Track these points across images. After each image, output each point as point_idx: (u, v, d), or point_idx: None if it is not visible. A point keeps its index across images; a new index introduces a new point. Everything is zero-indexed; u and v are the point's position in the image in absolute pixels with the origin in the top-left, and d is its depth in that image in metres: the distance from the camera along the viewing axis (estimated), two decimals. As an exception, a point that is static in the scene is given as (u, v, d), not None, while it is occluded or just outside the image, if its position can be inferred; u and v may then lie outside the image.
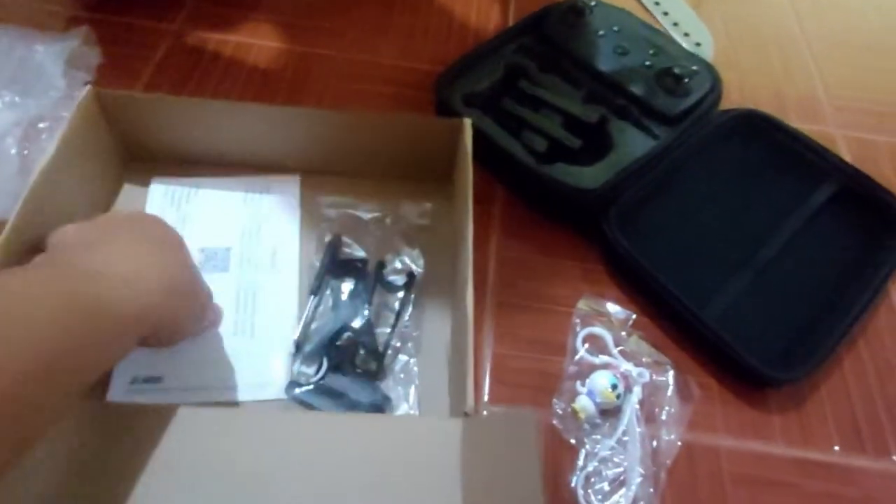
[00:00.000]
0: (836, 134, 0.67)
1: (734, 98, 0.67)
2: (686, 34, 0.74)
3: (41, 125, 0.51)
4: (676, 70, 0.60)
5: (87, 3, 0.65)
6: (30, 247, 0.40)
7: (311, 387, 0.41)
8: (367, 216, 0.50)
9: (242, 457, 0.33)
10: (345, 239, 0.48)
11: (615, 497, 0.42)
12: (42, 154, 0.47)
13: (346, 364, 0.42)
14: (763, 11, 0.80)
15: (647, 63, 0.61)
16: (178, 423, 0.33)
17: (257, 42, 0.66)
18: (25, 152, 0.49)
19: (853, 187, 0.58)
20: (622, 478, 0.42)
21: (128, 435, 0.33)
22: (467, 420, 0.35)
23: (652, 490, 0.42)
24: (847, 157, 0.64)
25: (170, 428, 0.33)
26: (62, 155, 0.44)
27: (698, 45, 0.73)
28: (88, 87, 0.47)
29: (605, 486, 0.42)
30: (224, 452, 0.33)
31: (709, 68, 0.62)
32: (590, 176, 0.54)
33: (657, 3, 0.76)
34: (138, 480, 0.31)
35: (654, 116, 0.59)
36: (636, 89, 0.59)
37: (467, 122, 0.49)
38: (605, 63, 0.61)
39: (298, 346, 0.43)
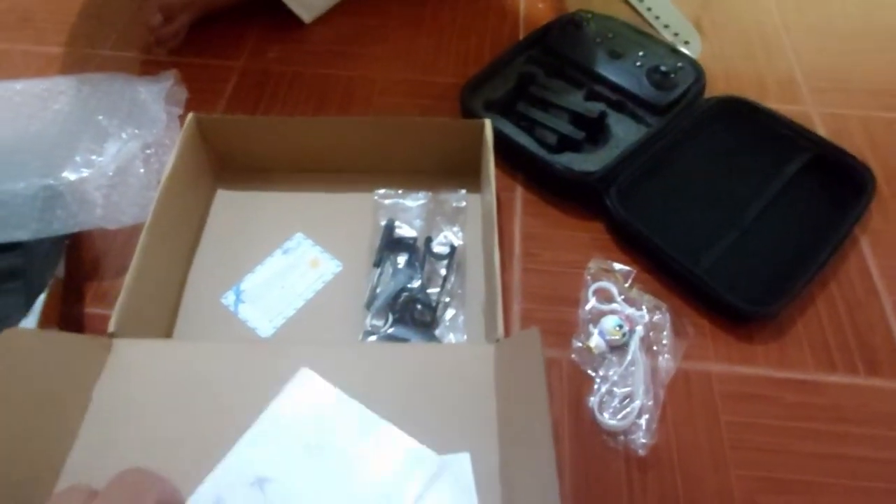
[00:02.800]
0: (812, 112, 0.76)
1: (720, 86, 0.78)
2: (676, 34, 0.84)
3: (148, 151, 0.65)
4: (663, 67, 0.70)
5: (170, 51, 0.79)
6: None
7: (381, 335, 0.53)
8: (413, 203, 0.62)
9: (328, 377, 0.45)
10: (397, 223, 0.60)
11: (624, 412, 0.52)
12: (154, 173, 0.61)
13: (406, 317, 0.54)
14: (746, 7, 0.90)
15: (638, 63, 0.72)
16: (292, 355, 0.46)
17: (309, 70, 0.79)
18: (141, 171, 0.62)
19: (825, 156, 0.68)
20: (629, 397, 0.53)
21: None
22: (497, 344, 0.46)
23: (652, 403, 0.52)
24: (823, 132, 0.73)
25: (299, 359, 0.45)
26: (176, 169, 0.57)
27: (687, 42, 0.83)
28: (192, 113, 0.60)
29: (616, 403, 0.53)
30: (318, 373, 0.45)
31: (693, 63, 0.73)
32: (593, 162, 0.65)
33: (649, 9, 0.87)
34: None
35: (646, 108, 0.69)
36: (629, 86, 0.70)
37: (488, 123, 0.61)
38: (602, 66, 0.72)
39: (369, 304, 0.55)
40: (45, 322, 0.52)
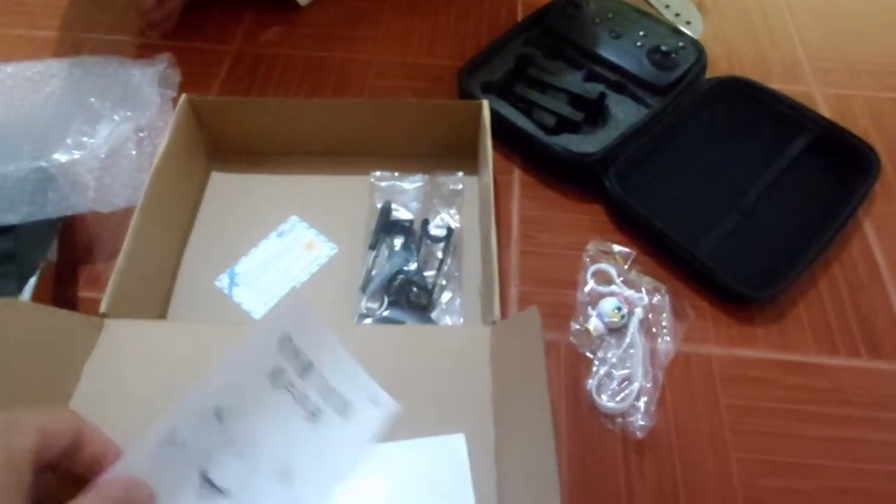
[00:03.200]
0: (815, 92, 0.75)
1: (722, 67, 0.77)
2: (677, 14, 0.83)
3: (142, 134, 0.64)
4: (664, 47, 0.69)
5: (163, 34, 0.78)
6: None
7: (376, 318, 0.53)
8: (410, 185, 0.61)
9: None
10: (393, 205, 0.60)
11: (622, 394, 0.51)
12: (147, 156, 0.60)
13: (402, 300, 0.53)
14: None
15: (639, 43, 0.71)
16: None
17: (304, 53, 0.77)
18: (133, 153, 0.61)
19: (827, 137, 0.67)
20: (628, 379, 0.52)
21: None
22: (494, 326, 0.46)
23: (651, 386, 0.51)
24: (826, 112, 0.72)
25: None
26: (169, 151, 0.56)
27: (688, 23, 0.82)
28: (185, 95, 0.60)
29: (615, 386, 0.52)
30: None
31: (694, 43, 0.71)
32: (592, 143, 0.64)
33: (650, -10, 0.85)
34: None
35: (646, 88, 0.68)
36: (629, 66, 0.69)
37: (485, 103, 0.60)
38: (602, 46, 0.71)
39: (364, 287, 0.54)
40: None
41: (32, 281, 0.52)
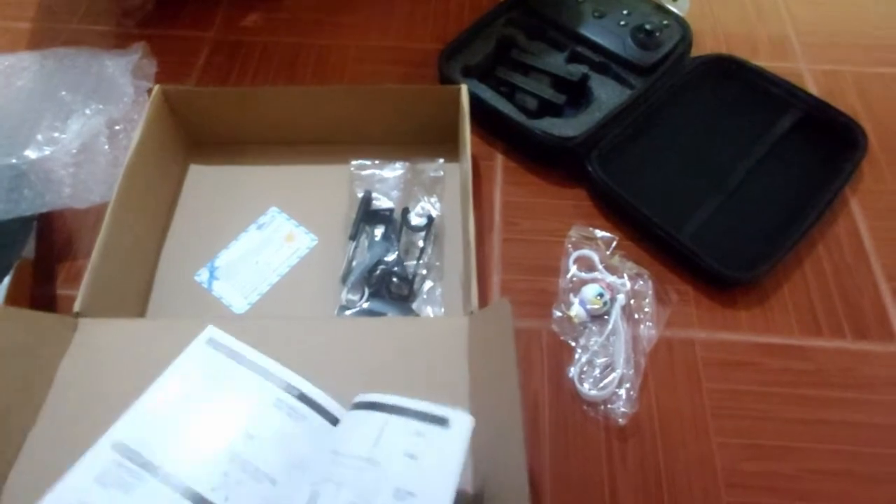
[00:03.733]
0: (803, 69, 0.74)
1: (708, 45, 0.75)
2: (663, -8, 0.81)
3: (117, 127, 0.63)
4: (648, 26, 0.68)
5: (137, 22, 0.76)
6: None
7: (357, 309, 0.52)
8: (391, 174, 0.60)
9: (302, 353, 0.43)
10: (374, 194, 0.59)
11: (605, 381, 0.51)
12: (122, 150, 0.59)
13: (383, 291, 0.53)
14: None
15: (622, 22, 0.69)
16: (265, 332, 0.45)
17: (282, 39, 0.76)
18: (106, 147, 0.60)
19: (814, 114, 0.66)
20: (610, 366, 0.52)
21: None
22: (471, 316, 0.45)
23: (633, 372, 0.51)
24: (814, 89, 0.71)
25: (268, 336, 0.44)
26: (143, 145, 0.55)
27: (675, 0, 0.80)
28: (157, 86, 0.59)
29: (597, 373, 0.52)
30: (286, 350, 0.44)
31: (679, 21, 0.70)
32: (574, 126, 0.63)
33: (636, -34, 0.83)
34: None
35: (630, 69, 0.67)
36: (613, 46, 0.68)
37: (464, 88, 0.59)
38: (585, 26, 0.70)
39: (344, 278, 0.54)
40: (13, 303, 0.51)
41: (7, 279, 0.52)
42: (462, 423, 0.36)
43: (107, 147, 0.57)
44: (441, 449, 0.36)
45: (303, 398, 0.42)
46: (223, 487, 0.37)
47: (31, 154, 0.55)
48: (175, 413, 0.40)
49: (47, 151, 0.55)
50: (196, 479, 0.37)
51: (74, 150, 0.56)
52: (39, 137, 0.56)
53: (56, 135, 0.57)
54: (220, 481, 0.37)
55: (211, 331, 0.44)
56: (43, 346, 0.43)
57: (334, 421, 0.41)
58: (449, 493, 0.34)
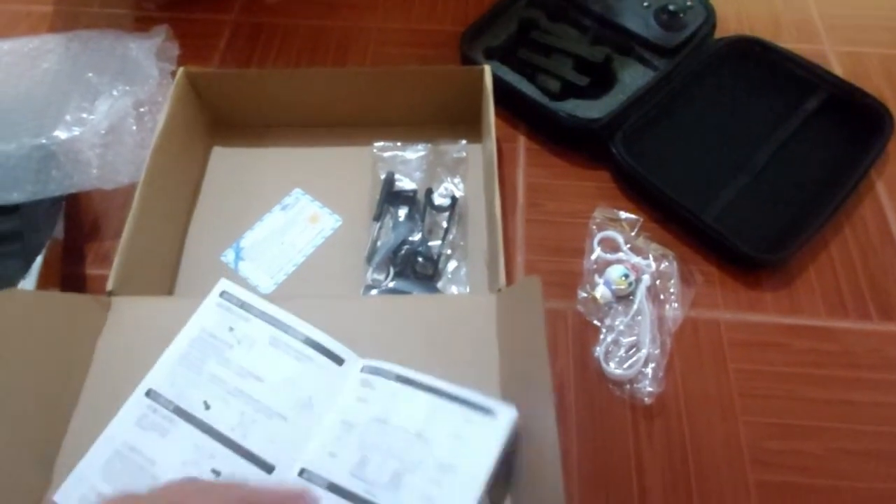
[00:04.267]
0: (828, 50, 0.73)
1: (731, 26, 0.75)
2: (685, -27, 0.80)
3: (142, 109, 0.63)
4: (671, 6, 0.67)
5: (158, 5, 0.76)
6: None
7: (382, 289, 0.53)
8: (413, 155, 0.60)
9: (331, 331, 0.44)
10: (397, 175, 0.59)
11: (630, 361, 0.51)
12: (148, 132, 0.60)
13: (408, 270, 0.53)
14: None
15: (646, 3, 0.69)
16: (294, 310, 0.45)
17: (303, 22, 0.76)
18: (134, 128, 0.60)
19: (840, 96, 0.65)
20: (635, 346, 0.52)
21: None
22: (499, 293, 0.45)
23: (659, 352, 0.51)
24: (839, 71, 0.70)
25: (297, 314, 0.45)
26: (168, 127, 0.56)
27: (697, -18, 0.79)
28: (182, 68, 0.59)
29: (623, 352, 0.52)
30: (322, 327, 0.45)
31: (702, 2, 0.69)
32: (598, 108, 0.62)
33: (657, -53, 0.82)
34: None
35: (653, 50, 0.67)
36: (636, 27, 0.67)
37: (487, 68, 0.59)
38: (608, 7, 0.69)
39: (369, 258, 0.54)
40: (44, 283, 0.52)
41: (39, 259, 0.52)
42: (506, 414, 0.40)
43: (134, 128, 0.57)
44: (485, 435, 0.39)
45: (308, 342, 0.44)
46: (240, 426, 0.41)
47: (60, 134, 0.56)
48: (196, 361, 0.44)
49: (76, 132, 0.56)
50: (217, 420, 0.41)
51: (102, 131, 0.57)
52: (68, 118, 0.57)
53: (84, 115, 0.57)
54: (237, 420, 0.41)
55: (223, 283, 0.47)
56: (80, 327, 0.44)
57: (339, 361, 0.44)
58: (486, 471, 0.38)
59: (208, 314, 0.45)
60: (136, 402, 0.42)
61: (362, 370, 0.43)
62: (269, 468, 0.40)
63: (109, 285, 0.47)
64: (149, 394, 0.42)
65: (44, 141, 0.56)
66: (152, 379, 0.43)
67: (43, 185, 0.57)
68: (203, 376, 0.43)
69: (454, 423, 0.40)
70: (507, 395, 0.42)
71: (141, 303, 0.47)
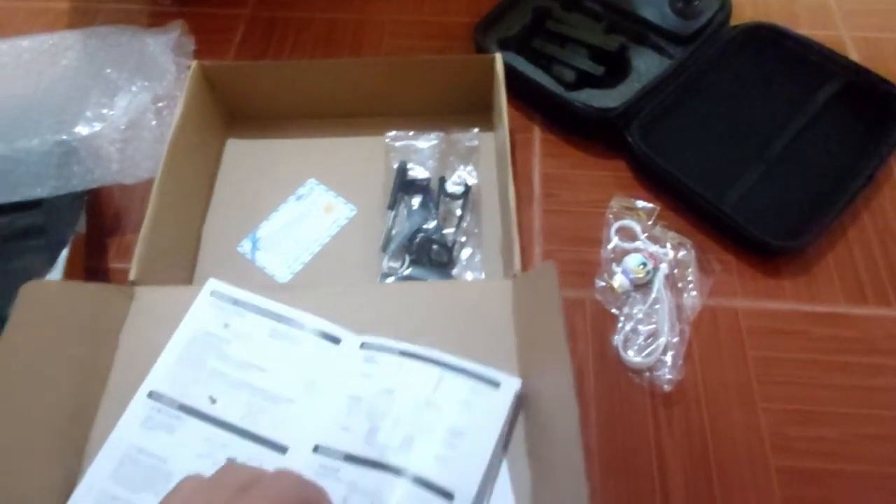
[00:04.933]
0: (845, 36, 0.72)
1: (748, 14, 0.74)
2: (699, -39, 0.80)
3: (160, 104, 0.64)
4: (686, -6, 0.67)
5: (172, 0, 0.77)
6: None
7: (398, 276, 0.53)
8: (425, 144, 0.60)
9: (349, 318, 0.45)
10: (410, 164, 0.59)
11: (649, 349, 0.52)
12: (167, 127, 0.60)
13: (423, 258, 0.54)
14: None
15: (660, -9, 0.68)
16: (311, 299, 0.46)
17: (317, 15, 0.76)
18: (153, 123, 0.61)
19: (857, 82, 0.65)
20: (654, 334, 0.52)
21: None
22: (515, 278, 0.46)
23: (677, 340, 0.51)
24: (856, 57, 0.70)
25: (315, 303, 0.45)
26: (184, 120, 0.56)
27: (711, -31, 0.79)
28: (195, 62, 0.59)
29: (641, 341, 0.52)
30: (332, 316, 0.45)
31: (718, -11, 0.69)
32: (613, 97, 0.62)
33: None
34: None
35: (668, 39, 0.66)
36: (651, 16, 0.67)
37: (498, 57, 0.59)
38: (622, -4, 0.69)
39: (385, 247, 0.55)
40: (69, 276, 0.52)
41: (65, 252, 0.53)
42: (510, 384, 0.41)
43: (153, 123, 0.58)
44: (492, 402, 0.40)
45: (304, 327, 0.45)
46: (249, 416, 0.42)
47: (81, 130, 0.57)
48: (195, 359, 0.44)
49: (97, 127, 0.57)
50: (224, 412, 0.42)
51: (122, 127, 0.57)
52: (89, 114, 0.57)
53: (105, 111, 0.58)
54: (245, 411, 0.42)
55: (212, 283, 0.47)
56: (105, 315, 0.45)
57: (336, 340, 0.44)
58: (495, 435, 0.39)
59: (201, 314, 0.46)
60: (138, 405, 0.42)
61: (362, 347, 0.44)
62: (282, 449, 0.40)
63: (132, 275, 0.47)
64: (151, 395, 0.42)
65: (65, 137, 0.57)
66: (152, 381, 0.43)
67: (65, 180, 0.57)
68: (204, 373, 0.43)
69: (461, 392, 0.40)
70: (526, 379, 0.42)
71: (163, 292, 0.48)
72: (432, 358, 0.42)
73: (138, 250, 0.49)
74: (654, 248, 0.56)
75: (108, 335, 0.44)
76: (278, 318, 0.45)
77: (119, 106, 0.59)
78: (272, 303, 0.46)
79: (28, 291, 0.41)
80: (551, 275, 0.40)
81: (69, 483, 0.39)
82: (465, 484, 0.37)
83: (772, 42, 0.68)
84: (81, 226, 0.58)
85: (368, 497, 0.37)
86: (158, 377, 0.43)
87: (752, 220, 0.56)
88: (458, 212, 0.56)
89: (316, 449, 0.40)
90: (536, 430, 0.40)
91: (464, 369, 0.41)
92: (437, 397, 0.40)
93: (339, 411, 0.41)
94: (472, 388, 0.40)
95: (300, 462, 0.39)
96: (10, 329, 0.39)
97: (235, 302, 0.46)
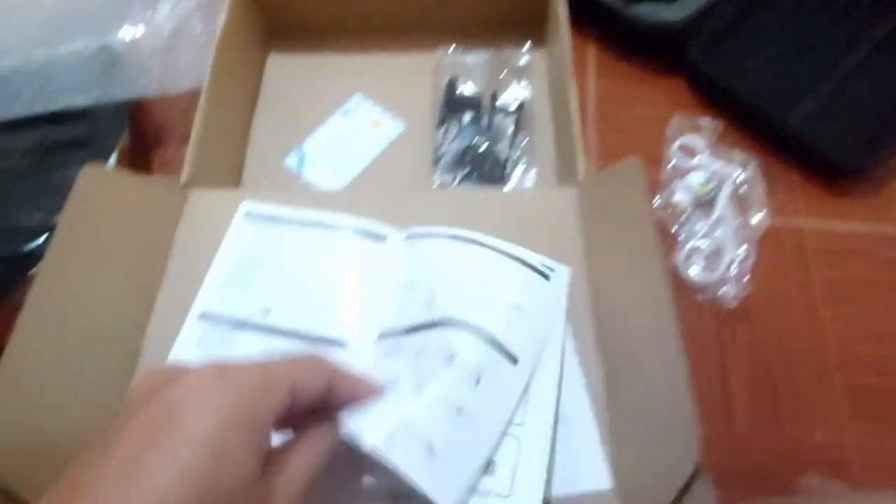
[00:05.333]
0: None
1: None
2: None
3: (204, 12, 0.61)
4: None
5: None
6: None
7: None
8: (476, 60, 0.58)
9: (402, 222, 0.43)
10: (459, 81, 0.57)
11: (712, 266, 0.50)
12: (210, 35, 0.58)
13: (475, 174, 0.52)
14: None
15: None
16: (365, 205, 0.44)
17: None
18: (198, 31, 0.59)
19: (938, -4, 0.61)
20: (717, 252, 0.50)
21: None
22: (585, 181, 0.43)
23: (742, 257, 0.50)
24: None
25: (367, 208, 0.44)
26: (228, 30, 0.53)
27: None
28: (241, -33, 0.57)
29: (703, 259, 0.50)
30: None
31: None
32: (674, 11, 0.59)
33: None
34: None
35: (735, -51, 0.62)
36: (716, -75, 0.63)
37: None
38: None
39: (435, 162, 0.53)
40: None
41: (112, 160, 0.52)
42: (564, 272, 0.40)
43: (198, 31, 0.56)
44: (550, 286, 0.39)
45: (346, 229, 0.43)
46: (304, 321, 0.40)
47: (124, 36, 0.55)
48: (241, 278, 0.42)
49: (139, 34, 0.55)
50: (279, 321, 0.41)
51: (165, 34, 0.55)
52: (131, 19, 0.55)
53: (148, 14, 0.56)
54: (300, 316, 0.40)
55: (245, 205, 0.45)
56: (158, 213, 0.44)
57: (381, 238, 0.43)
58: (559, 318, 0.38)
59: (239, 236, 0.44)
60: (191, 328, 0.41)
61: (408, 237, 0.42)
62: (342, 344, 0.39)
63: (183, 179, 0.46)
64: (202, 317, 0.41)
65: (108, 42, 0.55)
66: (201, 304, 0.42)
67: (107, 89, 0.56)
68: (252, 290, 0.42)
69: (521, 275, 0.39)
70: (601, 295, 0.40)
71: (216, 195, 0.47)
72: (486, 243, 0.40)
73: (189, 155, 0.47)
74: (716, 166, 0.54)
75: (163, 235, 0.43)
76: (318, 224, 0.44)
77: (162, 11, 0.56)
78: (310, 212, 0.44)
79: (84, 176, 0.40)
80: (635, 172, 0.37)
81: (127, 372, 0.39)
82: (529, 354, 0.36)
83: (844, -45, 0.64)
84: (124, 138, 0.57)
85: (438, 352, 0.35)
86: (206, 299, 0.42)
87: (820, 138, 0.53)
88: (511, 128, 0.54)
89: (380, 337, 0.39)
90: (615, 325, 0.38)
91: (516, 256, 0.39)
92: (493, 278, 0.39)
93: (395, 297, 0.40)
94: (528, 273, 0.39)
95: (364, 352, 0.38)
96: (66, 216, 0.39)
97: (273, 219, 0.45)
